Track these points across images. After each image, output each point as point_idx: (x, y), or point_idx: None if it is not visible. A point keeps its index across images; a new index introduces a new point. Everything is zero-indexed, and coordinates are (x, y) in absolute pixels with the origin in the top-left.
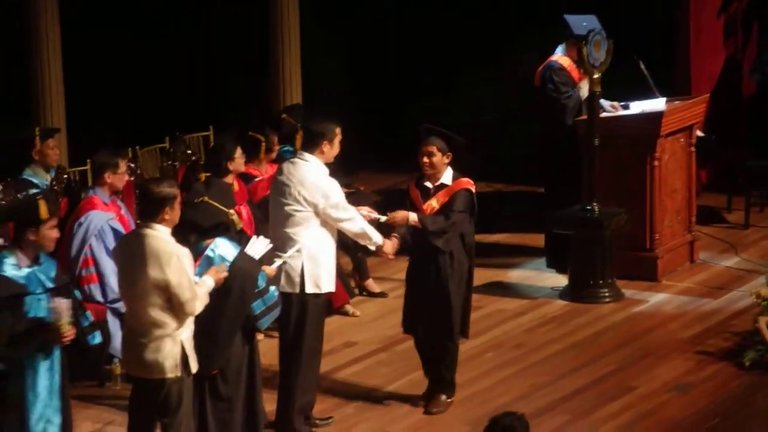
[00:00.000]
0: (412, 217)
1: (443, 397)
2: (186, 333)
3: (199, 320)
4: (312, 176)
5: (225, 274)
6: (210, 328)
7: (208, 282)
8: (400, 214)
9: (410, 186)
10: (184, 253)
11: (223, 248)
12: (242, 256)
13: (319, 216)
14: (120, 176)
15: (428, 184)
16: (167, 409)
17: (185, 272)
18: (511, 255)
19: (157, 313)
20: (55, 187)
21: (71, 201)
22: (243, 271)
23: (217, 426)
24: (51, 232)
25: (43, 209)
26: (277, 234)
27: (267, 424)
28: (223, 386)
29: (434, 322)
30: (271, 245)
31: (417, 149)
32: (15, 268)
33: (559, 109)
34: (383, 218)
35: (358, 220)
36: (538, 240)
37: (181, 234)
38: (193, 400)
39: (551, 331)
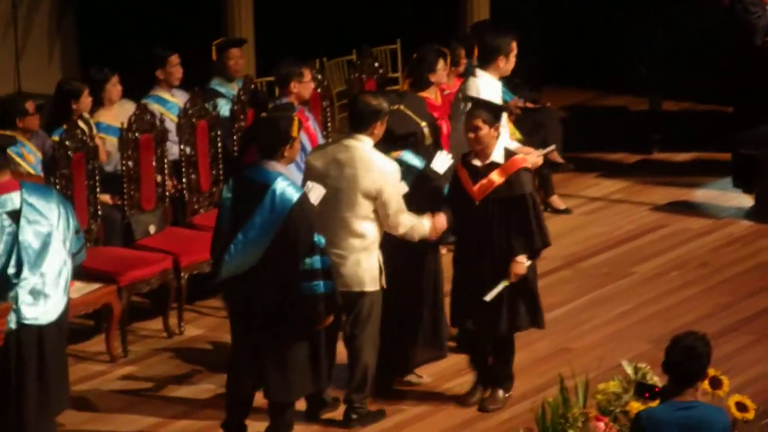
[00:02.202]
0: (524, 264)
1: (500, 392)
2: (374, 256)
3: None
4: (474, 92)
5: (441, 231)
6: (397, 241)
7: (424, 222)
8: (520, 268)
9: (458, 167)
10: (396, 167)
11: (408, 162)
12: (427, 170)
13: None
14: (306, 85)
15: (477, 162)
16: (358, 322)
17: (394, 185)
18: (697, 174)
19: (360, 225)
20: (243, 98)
21: (258, 112)
22: (428, 186)
23: (402, 337)
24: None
25: (296, 126)
26: (457, 149)
27: (448, 337)
28: (410, 298)
29: (494, 313)
30: (452, 161)
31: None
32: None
33: (749, 29)
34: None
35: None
36: (725, 159)
37: None
38: None
39: (736, 252)
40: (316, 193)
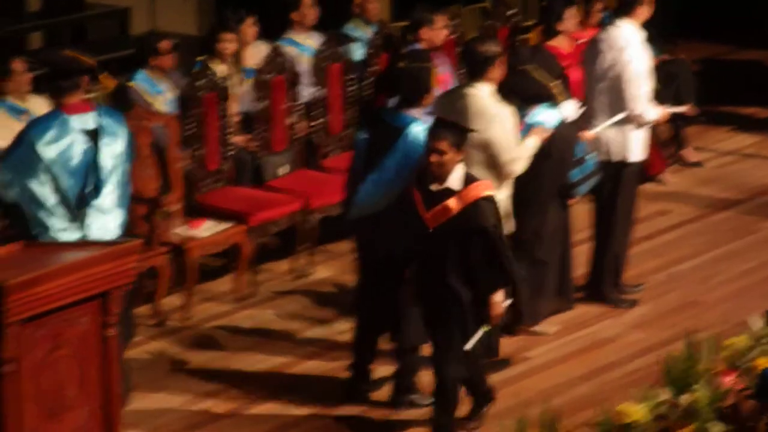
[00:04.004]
0: (502, 303)
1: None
2: (503, 193)
3: (518, 183)
4: (622, 42)
5: (548, 134)
6: (527, 191)
7: (530, 144)
8: (498, 308)
9: (412, 187)
10: (508, 113)
11: (543, 115)
12: (563, 123)
13: None
14: (437, 32)
15: (433, 186)
16: None
17: (508, 132)
18: None
19: (478, 172)
20: (377, 42)
21: (391, 57)
22: (563, 137)
23: (530, 288)
24: None
25: (434, 77)
26: (592, 101)
27: (575, 288)
28: (538, 249)
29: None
30: (581, 110)
31: None
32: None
33: None
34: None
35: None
36: None
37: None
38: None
39: None
40: None
